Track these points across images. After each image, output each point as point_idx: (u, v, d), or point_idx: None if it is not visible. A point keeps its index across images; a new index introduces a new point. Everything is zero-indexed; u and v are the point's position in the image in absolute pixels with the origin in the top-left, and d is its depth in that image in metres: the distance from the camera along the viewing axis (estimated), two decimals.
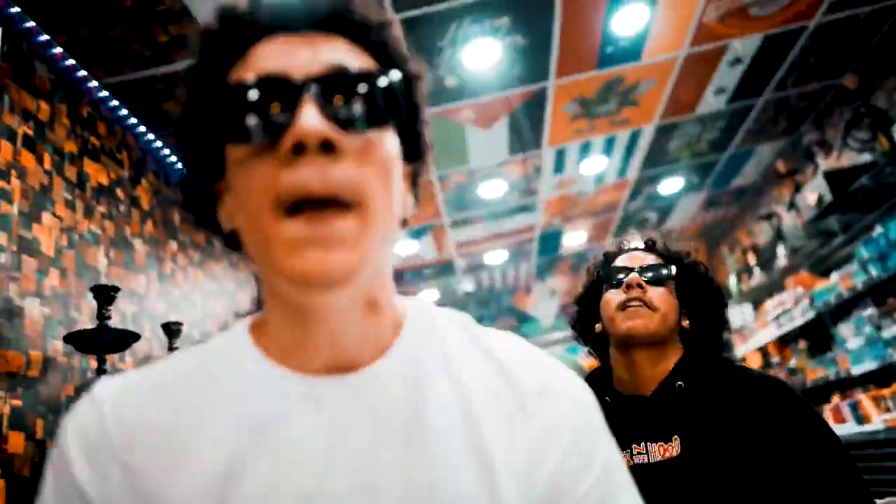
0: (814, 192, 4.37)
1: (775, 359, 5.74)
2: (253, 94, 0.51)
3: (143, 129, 3.22)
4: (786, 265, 5.29)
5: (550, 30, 3.20)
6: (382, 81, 0.54)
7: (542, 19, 3.11)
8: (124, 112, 3.08)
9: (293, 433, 0.54)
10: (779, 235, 5.32)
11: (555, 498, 0.56)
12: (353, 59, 0.56)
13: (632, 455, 1.18)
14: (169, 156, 3.46)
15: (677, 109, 4.26)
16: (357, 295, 0.55)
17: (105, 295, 2.27)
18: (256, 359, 0.58)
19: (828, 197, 4.16)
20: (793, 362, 5.33)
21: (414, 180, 0.64)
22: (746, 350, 6.27)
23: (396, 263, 5.85)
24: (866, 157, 4.01)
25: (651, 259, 1.30)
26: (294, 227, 0.49)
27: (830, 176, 4.14)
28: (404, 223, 0.62)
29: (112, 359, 2.57)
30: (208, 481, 0.52)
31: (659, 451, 1.15)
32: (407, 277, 6.43)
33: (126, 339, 2.27)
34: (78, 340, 2.22)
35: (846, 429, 4.36)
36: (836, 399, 4.65)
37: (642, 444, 1.18)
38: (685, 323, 1.29)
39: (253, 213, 0.52)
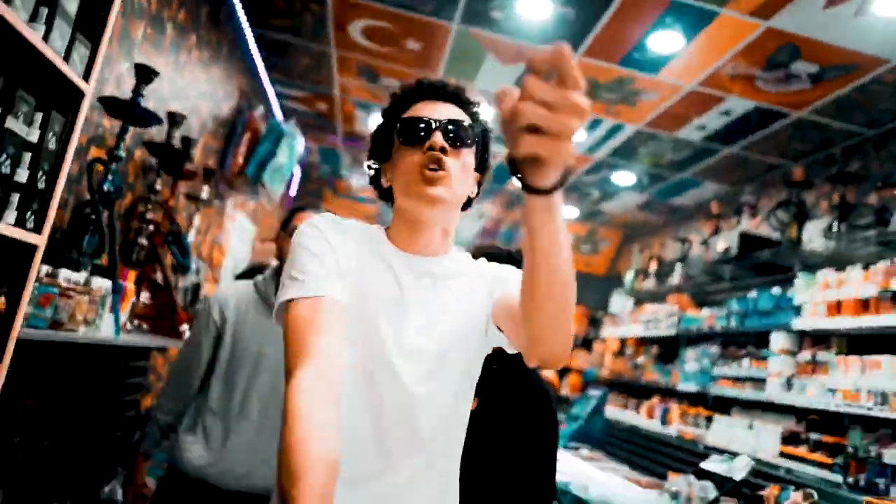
0: (726, 241, 5.08)
1: (629, 350, 6.68)
2: (416, 124, 1.15)
3: None
4: (676, 284, 6.07)
5: (599, 18, 3.53)
6: (470, 127, 1.17)
7: (598, 6, 3.44)
8: None
9: (399, 279, 1.15)
10: (683, 259, 6.07)
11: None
12: (458, 114, 1.18)
13: None
14: None
15: (661, 125, 4.75)
16: (438, 222, 1.18)
17: (145, 74, 2.53)
18: (386, 242, 1.19)
19: (734, 250, 4.89)
20: (640, 360, 6.26)
21: (479, 182, 1.26)
22: (610, 334, 7.19)
23: (365, 130, 6.14)
24: (777, 236, 4.72)
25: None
26: (427, 176, 1.10)
27: (744, 237, 4.85)
28: (469, 202, 1.25)
29: (134, 131, 2.85)
30: (352, 265, 1.12)
31: None
32: (366, 146, 6.72)
33: (149, 120, 2.56)
34: (110, 104, 2.50)
35: (651, 424, 5.35)
36: (655, 400, 5.62)
37: None
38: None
39: (408, 173, 1.14)
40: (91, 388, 2.80)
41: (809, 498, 1.72)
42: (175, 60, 3.41)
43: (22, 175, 1.47)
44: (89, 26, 1.64)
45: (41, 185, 1.54)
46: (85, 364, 2.71)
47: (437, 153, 1.11)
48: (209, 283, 4.66)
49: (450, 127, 1.13)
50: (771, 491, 2.35)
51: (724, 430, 4.41)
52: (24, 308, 1.55)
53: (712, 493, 2.41)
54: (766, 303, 4.44)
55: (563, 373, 7.51)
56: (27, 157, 1.48)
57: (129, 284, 2.57)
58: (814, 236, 4.26)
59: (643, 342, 6.43)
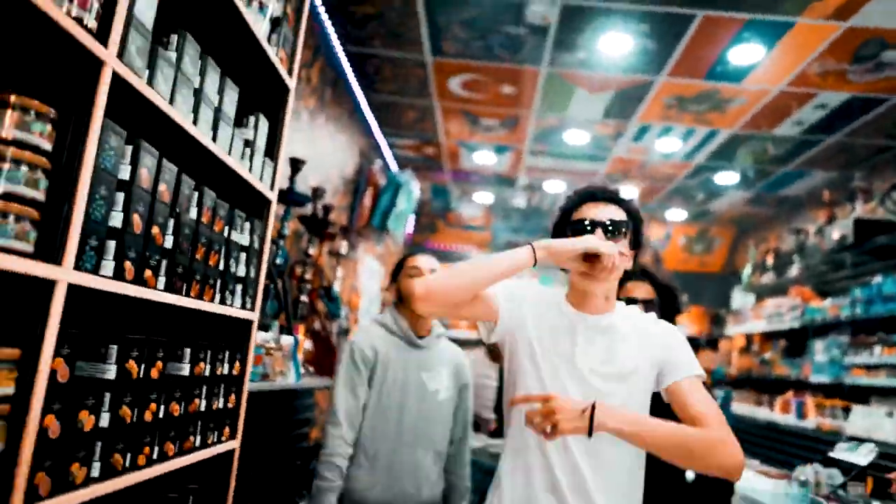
0: (841, 229, 5.06)
1: (755, 347, 6.65)
2: (583, 223, 1.45)
3: (326, 19, 3.90)
4: (795, 276, 6.03)
5: (679, 40, 3.78)
6: (626, 223, 1.46)
7: (676, 31, 3.69)
8: (317, 3, 3.75)
9: (575, 336, 1.45)
10: (800, 250, 6.02)
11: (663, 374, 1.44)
12: (617, 213, 1.47)
13: None
14: (336, 44, 4.16)
15: (756, 125, 4.86)
16: (603, 291, 1.46)
17: (296, 165, 3.10)
18: (565, 304, 1.50)
19: (850, 238, 4.87)
20: (768, 355, 6.24)
21: (635, 256, 1.51)
22: (735, 331, 7.17)
23: (470, 165, 6.61)
24: (894, 219, 4.66)
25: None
26: (588, 264, 1.40)
27: (859, 222, 4.82)
28: (627, 274, 1.56)
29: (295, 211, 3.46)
30: (543, 335, 1.46)
31: None
32: (473, 178, 7.20)
33: (303, 201, 3.12)
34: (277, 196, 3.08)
35: (787, 419, 5.35)
36: (789, 394, 5.61)
37: None
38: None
39: (576, 262, 1.41)
40: (279, 426, 3.38)
41: None
42: (311, 137, 4.02)
43: (241, 270, 2.01)
44: (270, 149, 2.18)
45: (252, 274, 2.07)
46: (275, 406, 3.30)
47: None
48: (352, 323, 5.27)
49: (609, 223, 1.44)
50: None
51: (864, 420, 4.41)
52: (250, 368, 2.08)
53: (839, 479, 2.57)
54: (890, 288, 4.41)
55: None
56: (243, 256, 2.02)
57: (301, 336, 3.12)
58: None
59: (769, 337, 6.40)
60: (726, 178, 6.24)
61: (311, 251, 3.63)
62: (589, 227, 1.45)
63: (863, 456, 2.64)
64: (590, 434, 1.20)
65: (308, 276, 3.60)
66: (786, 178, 6.05)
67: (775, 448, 5.08)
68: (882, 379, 4.32)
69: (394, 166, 6.53)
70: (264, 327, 2.77)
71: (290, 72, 2.24)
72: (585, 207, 1.50)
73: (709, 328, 7.99)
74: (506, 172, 6.81)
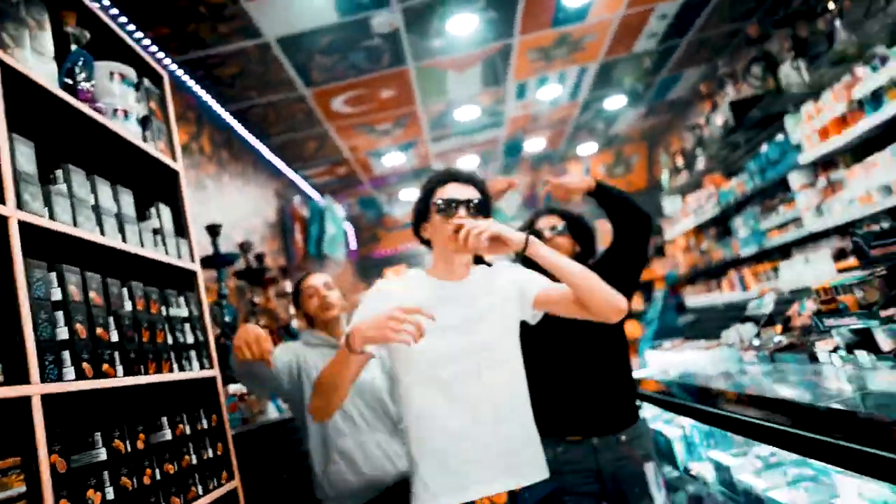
0: (722, 115, 5.50)
1: (693, 241, 7.12)
2: (448, 202, 1.72)
3: (199, 90, 4.13)
4: (704, 168, 6.48)
5: (515, 2, 4.11)
6: (481, 201, 1.75)
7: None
8: (186, 80, 3.98)
9: (441, 301, 1.73)
10: (700, 143, 6.47)
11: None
12: (473, 193, 1.76)
13: None
14: (216, 108, 4.39)
15: (617, 50, 5.26)
16: (466, 259, 1.79)
17: (214, 230, 3.35)
18: (429, 277, 1.80)
19: (731, 121, 5.31)
20: (704, 245, 6.70)
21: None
22: (673, 234, 7.63)
23: (384, 170, 6.89)
24: (758, 91, 5.11)
25: (556, 219, 2.42)
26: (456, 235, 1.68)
27: (733, 104, 5.26)
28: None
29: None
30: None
31: None
32: (392, 180, 7.49)
33: (232, 261, 3.38)
34: (205, 263, 3.32)
35: (735, 295, 5.81)
36: (731, 273, 6.07)
37: None
38: (577, 249, 2.42)
39: (443, 235, 1.72)
40: (283, 457, 3.64)
41: (820, 296, 2.20)
42: (223, 201, 4.25)
43: (189, 338, 2.27)
44: (178, 228, 2.43)
45: (201, 338, 2.33)
46: (272, 442, 3.55)
47: (462, 221, 1.67)
48: None
49: (470, 203, 1.71)
50: (793, 308, 2.87)
51: (790, 273, 4.86)
52: (226, 417, 2.34)
53: (754, 329, 2.96)
54: (774, 152, 4.86)
55: (644, 288, 7.98)
56: (187, 326, 2.28)
57: None
58: (789, 78, 4.65)
59: (700, 229, 6.86)
60: (615, 102, 6.66)
61: (257, 300, 3.89)
62: (453, 205, 1.71)
63: (766, 306, 3.03)
64: (524, 249, 1.66)
65: (262, 322, 3.85)
66: (666, 85, 6.49)
67: (726, 325, 5.52)
68: (792, 232, 4.77)
69: (316, 196, 6.77)
70: (231, 380, 3.03)
71: (173, 157, 2.49)
72: (451, 187, 1.75)
73: (652, 239, 8.44)
74: (419, 165, 7.12)
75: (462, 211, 1.71)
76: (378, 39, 4.08)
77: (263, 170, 5.45)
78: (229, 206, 4.40)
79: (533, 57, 4.98)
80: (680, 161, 7.11)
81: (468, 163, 7.57)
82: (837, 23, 3.81)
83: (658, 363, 3.68)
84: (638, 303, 7.96)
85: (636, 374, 3.45)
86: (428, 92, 5.14)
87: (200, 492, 2.01)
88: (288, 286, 4.60)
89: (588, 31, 4.74)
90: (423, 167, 7.27)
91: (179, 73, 3.77)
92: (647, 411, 3.32)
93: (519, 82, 5.44)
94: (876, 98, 3.49)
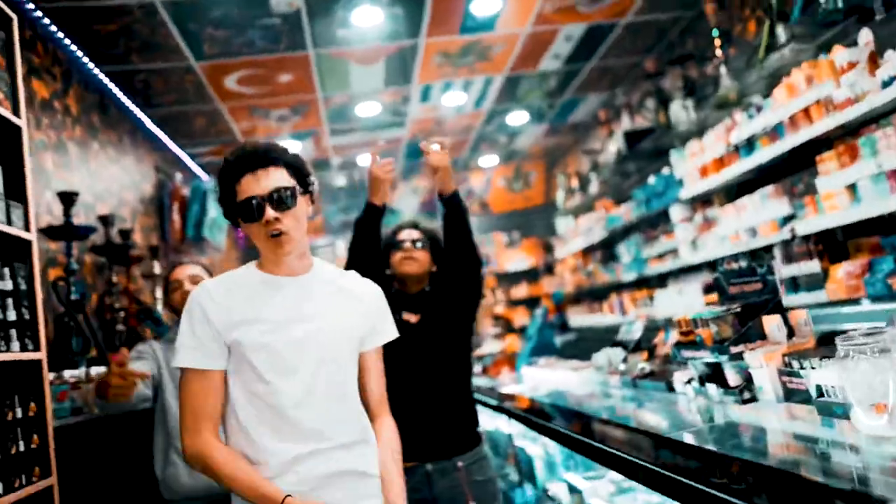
0: (616, 142, 5.70)
1: (580, 262, 7.33)
2: (248, 204, 1.42)
3: (70, 44, 3.76)
4: (596, 192, 6.69)
5: (423, 2, 4.04)
6: (294, 187, 1.46)
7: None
8: (55, 31, 3.60)
9: (274, 297, 1.51)
10: (594, 167, 6.68)
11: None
12: (281, 178, 1.45)
13: (401, 316, 2.26)
14: (91, 67, 4.02)
15: (523, 65, 5.31)
16: (296, 253, 1.50)
17: (68, 198, 3.05)
18: (260, 272, 1.53)
19: (624, 150, 5.50)
20: (590, 267, 6.91)
21: (312, 201, 1.56)
22: (563, 254, 7.83)
23: None
24: (650, 125, 5.33)
25: (417, 234, 2.38)
26: (274, 242, 1.45)
27: (627, 134, 5.46)
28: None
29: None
30: (246, 314, 1.49)
31: (412, 318, 2.29)
32: None
33: (86, 233, 3.09)
34: (51, 233, 3.01)
35: (615, 318, 6.01)
36: (612, 297, 6.28)
37: (404, 312, 2.29)
38: (433, 268, 2.39)
39: (260, 238, 1.47)
40: (131, 450, 3.36)
41: (681, 327, 2.27)
42: (88, 169, 3.90)
43: (11, 315, 2.02)
44: (14, 191, 2.17)
45: (27, 316, 2.08)
46: (118, 434, 3.27)
47: (273, 224, 1.42)
48: None
49: (275, 196, 1.41)
50: (659, 336, 2.98)
51: (665, 302, 5.08)
52: (50, 406, 2.10)
53: (622, 354, 3.04)
54: (659, 184, 5.07)
55: (532, 304, 8.16)
56: (10, 301, 2.03)
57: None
58: (678, 115, 4.87)
59: (588, 251, 7.08)
60: (518, 117, 6.74)
61: (116, 279, 3.58)
62: (255, 207, 1.42)
63: (636, 332, 3.12)
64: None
65: (119, 304, 3.55)
66: (568, 107, 6.64)
67: (602, 347, 5.70)
68: (670, 262, 4.99)
69: (204, 175, 6.41)
70: (72, 364, 2.75)
71: (15, 112, 2.23)
72: (248, 179, 1.43)
73: (543, 257, 8.64)
74: (315, 156, 6.91)
75: (270, 212, 1.45)
76: (277, 19, 3.89)
77: (143, 141, 5.08)
78: (96, 175, 4.04)
79: (439, 61, 4.93)
80: (575, 183, 7.32)
81: (368, 160, 7.43)
82: (723, 69, 4.01)
83: (532, 380, 3.72)
84: (524, 318, 8.13)
85: (508, 390, 3.46)
86: (329, 82, 4.97)
87: (1, 490, 1.79)
88: (157, 267, 4.29)
89: (495, 41, 4.75)
90: (320, 158, 7.07)
91: (46, 21, 3.41)
92: (514, 427, 3.34)
93: (424, 85, 5.38)
94: (750, 144, 3.69)
